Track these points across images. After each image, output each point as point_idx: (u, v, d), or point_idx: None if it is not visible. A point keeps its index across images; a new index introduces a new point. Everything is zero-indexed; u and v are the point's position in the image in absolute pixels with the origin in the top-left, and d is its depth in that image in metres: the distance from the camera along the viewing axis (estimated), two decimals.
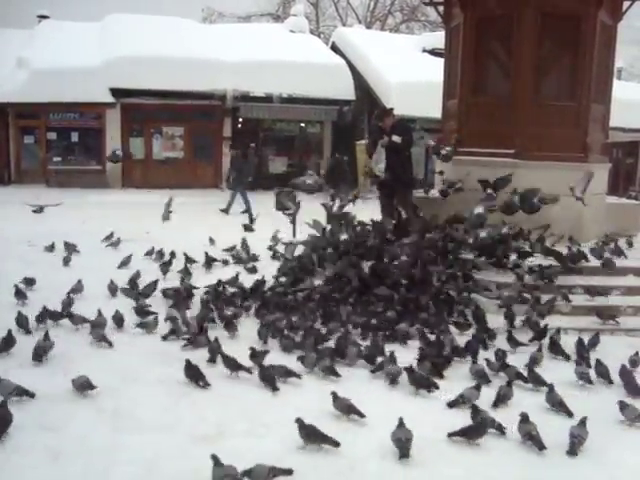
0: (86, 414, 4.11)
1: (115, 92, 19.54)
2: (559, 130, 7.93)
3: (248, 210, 13.48)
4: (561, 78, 8.49)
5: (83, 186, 18.45)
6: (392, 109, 8.70)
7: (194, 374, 4.62)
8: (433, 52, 21.50)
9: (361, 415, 4.11)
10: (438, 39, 17.19)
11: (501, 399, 4.44)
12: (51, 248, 9.14)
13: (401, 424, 3.76)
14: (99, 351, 5.31)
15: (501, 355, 5.21)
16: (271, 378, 4.59)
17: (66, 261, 8.39)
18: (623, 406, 4.29)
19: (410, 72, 19.76)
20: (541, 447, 3.82)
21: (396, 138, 7.98)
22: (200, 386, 4.57)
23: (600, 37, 8.09)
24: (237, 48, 20.98)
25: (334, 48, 24.06)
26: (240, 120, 21.33)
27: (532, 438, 3.86)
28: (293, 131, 22.43)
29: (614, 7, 8.38)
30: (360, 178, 8.49)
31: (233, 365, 4.80)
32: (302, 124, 22.19)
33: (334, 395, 4.17)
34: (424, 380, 4.67)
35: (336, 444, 3.71)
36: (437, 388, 4.64)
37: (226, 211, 14.01)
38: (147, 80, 19.09)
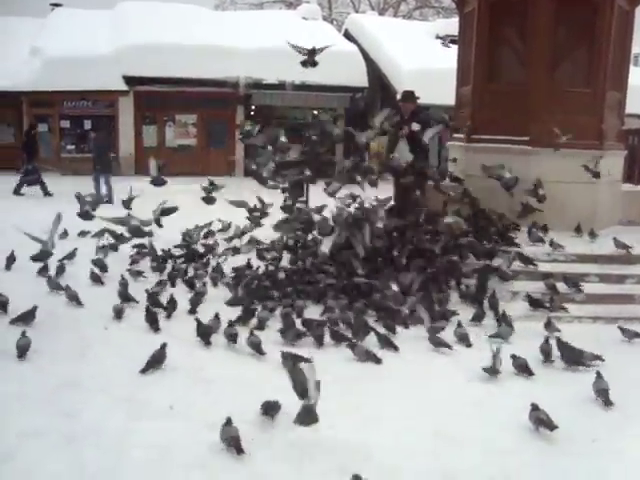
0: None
1: (128, 80, 19.58)
2: (574, 117, 7.84)
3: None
4: (576, 65, 8.38)
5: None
6: (413, 93, 8.37)
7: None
8: (446, 39, 21.32)
9: None
10: (452, 26, 17.06)
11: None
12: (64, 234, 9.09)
13: None
14: None
15: None
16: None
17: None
18: None
19: (423, 59, 19.63)
20: (552, 428, 3.89)
21: (415, 126, 7.69)
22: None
23: (617, 22, 7.99)
24: (250, 35, 20.92)
25: (347, 35, 23.93)
26: (253, 107, 21.31)
27: (542, 422, 3.91)
28: (306, 118, 22.36)
29: None
30: (372, 165, 8.30)
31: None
32: (315, 111, 22.11)
33: None
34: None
35: None
36: None
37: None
38: (160, 68, 19.10)
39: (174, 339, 5.07)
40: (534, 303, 6.24)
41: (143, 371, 4.53)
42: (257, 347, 4.98)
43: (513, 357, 4.85)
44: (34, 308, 5.48)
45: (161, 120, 21.07)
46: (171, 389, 4.35)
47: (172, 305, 6.02)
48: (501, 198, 7.51)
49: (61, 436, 3.67)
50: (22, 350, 4.72)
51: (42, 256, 7.01)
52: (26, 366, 4.62)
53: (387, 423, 3.99)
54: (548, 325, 5.65)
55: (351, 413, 4.10)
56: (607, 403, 4.32)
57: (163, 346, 4.65)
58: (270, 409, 3.91)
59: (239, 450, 3.51)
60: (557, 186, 7.62)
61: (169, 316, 5.89)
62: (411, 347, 5.30)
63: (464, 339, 5.44)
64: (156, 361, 4.60)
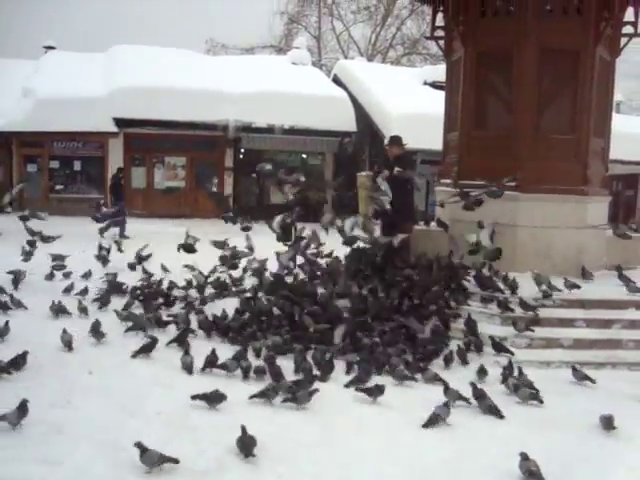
0: None
1: (118, 122, 19.73)
2: (560, 163, 7.98)
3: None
4: (561, 112, 8.55)
5: (85, 214, 18.51)
6: (400, 139, 8.56)
7: None
8: (434, 85, 21.69)
9: None
10: (439, 72, 17.40)
11: None
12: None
13: None
14: None
15: None
16: None
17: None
18: None
19: (411, 104, 19.94)
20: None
21: (398, 170, 7.91)
22: None
23: (599, 72, 8.19)
24: (240, 79, 21.23)
25: (336, 80, 24.32)
26: (242, 151, 21.49)
27: (533, 474, 3.85)
28: (295, 162, 22.55)
29: (612, 43, 8.49)
30: (361, 208, 8.42)
31: None
32: (304, 155, 22.34)
33: None
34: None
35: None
36: None
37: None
38: (150, 110, 19.29)
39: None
40: (497, 347, 6.22)
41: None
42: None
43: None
44: (24, 353, 5.36)
45: (150, 162, 21.18)
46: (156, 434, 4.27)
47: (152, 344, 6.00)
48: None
49: None
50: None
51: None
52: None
53: None
54: (446, 390, 5.09)
55: None
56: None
57: None
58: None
59: None
60: (543, 231, 7.70)
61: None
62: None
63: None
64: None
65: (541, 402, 5.16)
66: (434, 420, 4.61)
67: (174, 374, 5.48)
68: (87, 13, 46.86)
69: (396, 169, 7.90)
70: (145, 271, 8.78)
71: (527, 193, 7.77)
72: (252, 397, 4.87)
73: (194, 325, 6.76)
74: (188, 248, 8.28)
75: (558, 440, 4.53)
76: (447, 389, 5.03)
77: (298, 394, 4.84)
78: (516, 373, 5.54)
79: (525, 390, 5.24)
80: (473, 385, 5.11)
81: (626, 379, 5.87)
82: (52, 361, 5.64)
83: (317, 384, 5.12)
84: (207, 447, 4.15)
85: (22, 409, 4.19)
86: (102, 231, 14.56)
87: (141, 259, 9.14)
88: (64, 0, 45.68)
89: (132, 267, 9.16)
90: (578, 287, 7.04)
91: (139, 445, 3.75)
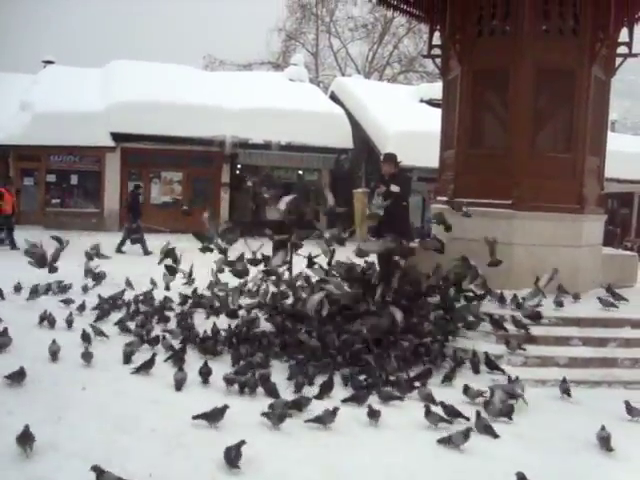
0: None
1: (115, 136, 19.76)
2: (555, 182, 8.01)
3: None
4: (557, 131, 8.63)
5: (81, 229, 18.54)
6: (397, 157, 8.52)
7: None
8: (431, 103, 21.81)
9: None
10: (436, 90, 17.50)
11: None
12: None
13: None
14: None
15: None
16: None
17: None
18: None
19: (408, 122, 20.04)
20: None
21: (394, 188, 7.92)
22: None
23: (594, 92, 8.25)
24: (237, 95, 21.31)
25: (333, 97, 24.44)
26: (239, 167, 21.53)
27: None
28: (291, 178, 22.61)
29: (607, 63, 8.56)
30: (357, 224, 8.42)
31: None
32: (300, 172, 22.39)
33: None
34: None
35: None
36: None
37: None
38: (147, 125, 19.33)
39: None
40: (490, 365, 6.21)
41: None
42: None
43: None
44: (21, 369, 5.31)
45: (147, 177, 21.19)
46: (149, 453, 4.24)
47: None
48: (487, 259, 7.54)
49: None
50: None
51: None
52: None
53: None
54: (428, 414, 4.99)
55: None
56: None
57: None
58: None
59: None
60: (539, 249, 7.71)
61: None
62: None
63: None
64: None
65: (510, 419, 5.11)
66: (447, 441, 4.57)
67: (168, 390, 5.44)
68: (86, 28, 47.25)
69: (392, 186, 7.91)
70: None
71: (523, 211, 7.79)
72: (263, 414, 4.78)
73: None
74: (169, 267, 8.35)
75: (554, 459, 4.51)
76: (429, 412, 4.93)
77: (321, 415, 4.76)
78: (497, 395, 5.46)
79: (495, 406, 5.18)
80: (442, 403, 5.07)
81: (622, 398, 5.83)
82: (44, 375, 5.61)
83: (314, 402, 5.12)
84: (201, 463, 4.11)
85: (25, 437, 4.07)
86: (118, 249, 14.56)
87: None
88: (64, 15, 46.03)
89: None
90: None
91: (95, 469, 3.65)
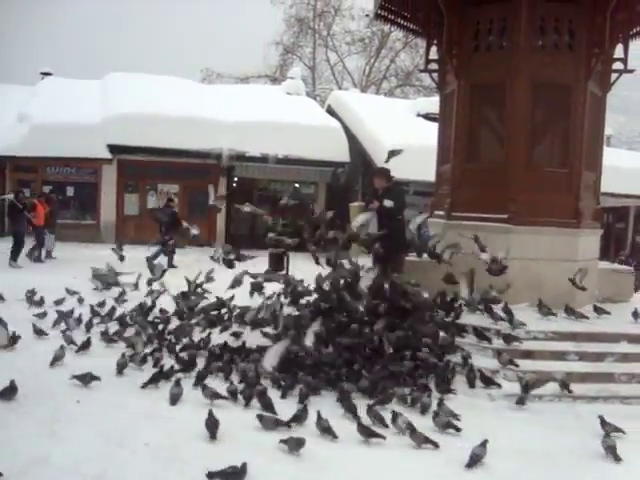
0: None
1: (112, 148, 19.77)
2: (552, 196, 8.04)
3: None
4: (553, 145, 8.68)
5: (77, 240, 18.51)
6: (389, 172, 8.58)
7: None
8: (427, 117, 21.89)
9: None
10: (432, 104, 17.57)
11: None
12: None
13: None
14: None
15: None
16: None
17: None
18: None
19: (404, 136, 20.09)
20: None
21: (388, 203, 7.87)
22: None
23: (590, 106, 8.30)
24: (234, 108, 21.35)
25: (330, 111, 24.51)
26: (235, 179, 21.54)
27: None
28: (288, 191, 22.61)
29: (603, 78, 8.63)
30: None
31: None
32: (296, 184, 22.41)
33: None
34: None
35: None
36: None
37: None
38: (144, 137, 19.33)
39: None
40: (485, 380, 6.18)
41: None
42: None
43: None
44: (12, 383, 5.26)
45: (143, 189, 21.18)
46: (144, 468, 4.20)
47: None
48: (483, 274, 7.53)
49: None
50: None
51: None
52: None
53: None
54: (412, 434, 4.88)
55: None
56: None
57: None
58: None
59: None
60: (535, 263, 7.72)
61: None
62: None
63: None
64: None
65: (458, 430, 5.05)
66: (474, 460, 4.49)
67: (164, 405, 5.41)
68: (84, 41, 47.42)
69: (385, 201, 7.86)
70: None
71: (519, 225, 7.81)
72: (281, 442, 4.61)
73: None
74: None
75: (555, 476, 4.48)
76: (413, 432, 4.85)
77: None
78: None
79: (442, 418, 5.13)
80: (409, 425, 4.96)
81: (619, 413, 5.82)
82: (38, 389, 5.57)
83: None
84: (197, 477, 4.08)
85: None
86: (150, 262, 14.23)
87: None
88: (62, 27, 46.20)
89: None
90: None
91: None
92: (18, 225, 14.51)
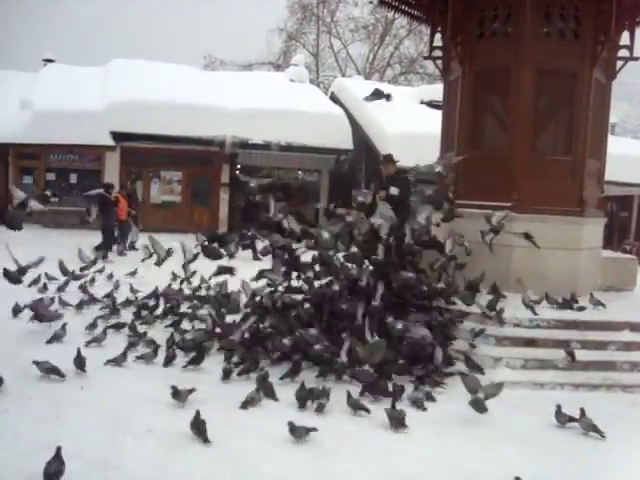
0: None
1: (115, 135, 19.71)
2: (556, 184, 8.01)
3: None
4: (557, 133, 8.63)
5: (80, 228, 18.51)
6: (392, 156, 8.57)
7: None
8: (431, 104, 21.79)
9: None
10: (436, 91, 17.47)
11: None
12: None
13: None
14: None
15: None
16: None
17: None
18: None
19: (408, 123, 20.01)
20: None
21: (394, 190, 7.88)
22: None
23: (595, 94, 8.25)
24: (237, 96, 21.29)
25: (333, 98, 24.41)
26: (238, 167, 21.52)
27: None
28: (291, 179, 22.61)
29: (608, 66, 8.56)
30: None
31: None
32: (300, 172, 22.39)
33: None
34: None
35: None
36: None
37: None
38: (147, 124, 19.28)
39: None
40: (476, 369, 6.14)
41: None
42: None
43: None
44: None
45: (146, 176, 21.17)
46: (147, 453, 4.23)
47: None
48: (486, 262, 7.52)
49: None
50: None
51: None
52: None
53: None
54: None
55: None
56: None
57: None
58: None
59: None
60: (539, 251, 7.69)
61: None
62: None
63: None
64: None
65: (405, 426, 4.93)
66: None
67: (167, 392, 5.43)
68: (86, 27, 47.22)
69: (392, 189, 7.86)
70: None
71: (523, 213, 7.78)
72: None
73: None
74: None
75: (554, 464, 4.50)
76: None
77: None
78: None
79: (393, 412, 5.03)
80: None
81: (621, 401, 5.84)
82: (42, 375, 5.59)
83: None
84: (198, 465, 4.10)
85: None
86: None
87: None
88: (64, 13, 46.05)
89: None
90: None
91: None
92: (110, 219, 14.77)
